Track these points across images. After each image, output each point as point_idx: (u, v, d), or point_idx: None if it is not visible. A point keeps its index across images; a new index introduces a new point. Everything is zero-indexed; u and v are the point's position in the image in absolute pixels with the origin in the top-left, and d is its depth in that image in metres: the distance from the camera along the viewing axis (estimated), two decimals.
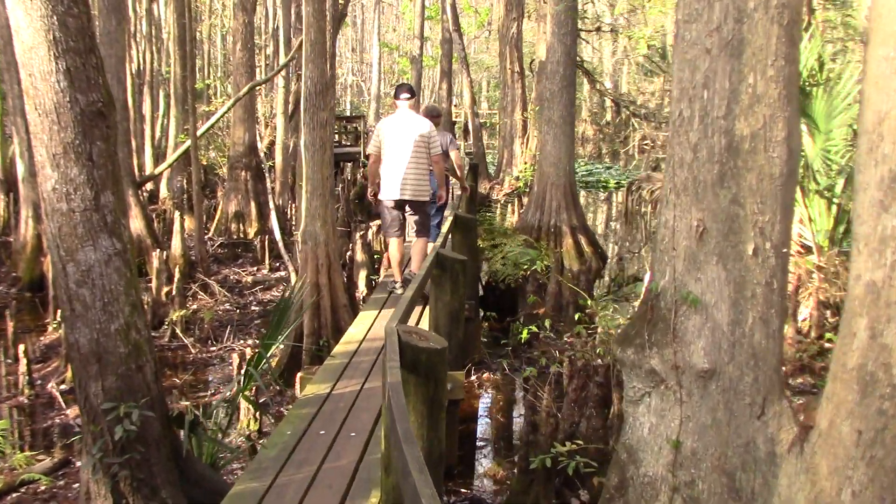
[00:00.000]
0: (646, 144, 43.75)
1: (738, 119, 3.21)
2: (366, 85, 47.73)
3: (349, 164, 27.75)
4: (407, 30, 52.16)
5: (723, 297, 3.37)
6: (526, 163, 21.81)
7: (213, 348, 9.71)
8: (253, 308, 11.55)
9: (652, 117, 25.61)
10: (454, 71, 24.84)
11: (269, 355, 6.25)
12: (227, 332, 10.14)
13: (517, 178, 21.67)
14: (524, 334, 7.36)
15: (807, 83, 9.23)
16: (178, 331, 9.77)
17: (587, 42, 36.12)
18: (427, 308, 7.75)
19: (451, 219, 8.55)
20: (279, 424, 5.39)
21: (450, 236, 8.56)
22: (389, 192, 7.89)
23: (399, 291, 8.33)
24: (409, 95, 7.99)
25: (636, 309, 4.26)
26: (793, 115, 3.25)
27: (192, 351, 9.51)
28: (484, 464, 7.18)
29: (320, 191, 8.05)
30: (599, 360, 5.87)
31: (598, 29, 21.99)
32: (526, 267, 11.33)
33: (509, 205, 18.86)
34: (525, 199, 20.25)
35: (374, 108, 34.89)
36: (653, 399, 3.56)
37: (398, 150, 7.80)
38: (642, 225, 10.21)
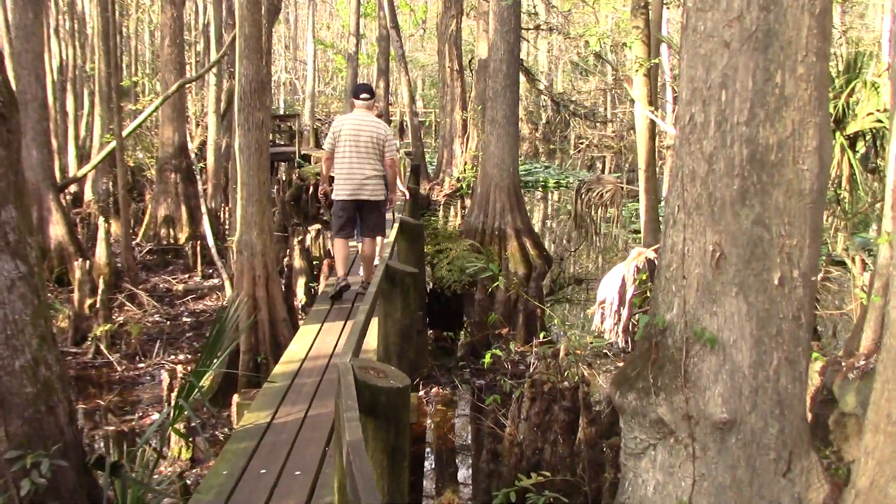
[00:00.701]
0: (581, 143, 43.81)
1: (762, 125, 2.70)
2: (300, 83, 46.86)
3: (284, 165, 27.02)
4: (341, 27, 51.42)
5: (744, 334, 2.92)
6: (466, 163, 21.42)
7: (142, 365, 9.04)
8: (184, 319, 10.88)
9: (591, 116, 25.41)
10: (390, 69, 24.33)
11: (201, 384, 5.67)
12: (157, 346, 9.48)
13: (458, 179, 21.25)
14: (487, 359, 6.88)
15: None
16: (102, 347, 9.08)
17: (526, 40, 36.02)
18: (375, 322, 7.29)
19: (396, 225, 8.06)
20: (214, 463, 4.84)
21: (395, 244, 8.06)
22: (345, 191, 7.81)
23: (343, 283, 8.29)
24: (368, 95, 8.00)
25: (635, 346, 3.74)
26: (823, 120, 2.76)
27: (119, 368, 8.84)
28: (436, 491, 6.71)
29: (256, 196, 7.49)
30: (566, 383, 5.45)
31: (538, 27, 21.70)
32: (472, 273, 10.90)
33: (451, 207, 18.43)
34: (468, 201, 19.89)
35: (309, 106, 34.06)
36: (659, 453, 3.09)
37: (355, 149, 7.76)
38: (591, 228, 9.82)
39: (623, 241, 14.20)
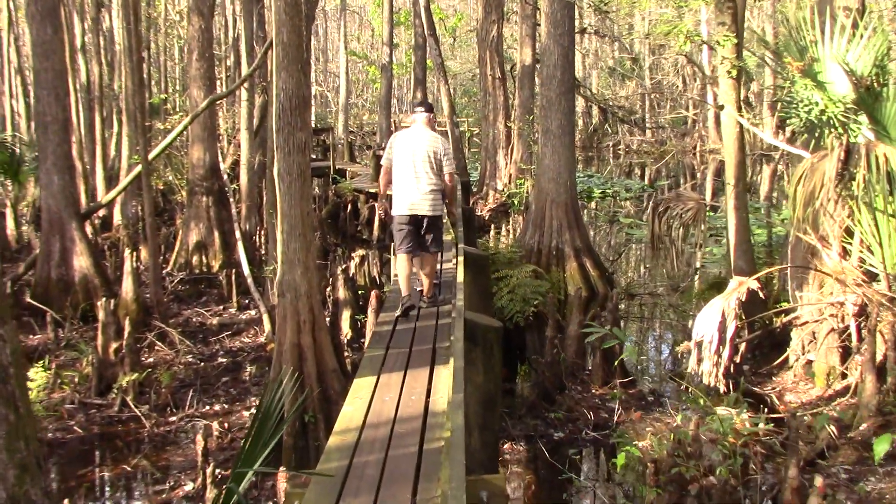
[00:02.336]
0: (620, 150, 42.55)
1: None
2: (331, 95, 46.07)
3: (318, 180, 26.10)
4: (370, 38, 50.60)
5: None
6: (511, 175, 20.33)
7: (173, 418, 8.02)
8: (220, 360, 9.86)
9: (639, 123, 24.23)
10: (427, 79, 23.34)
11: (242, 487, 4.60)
12: (190, 395, 8.47)
13: (502, 192, 20.15)
14: (620, 461, 5.70)
15: (874, 82, 7.79)
16: (129, 399, 8.08)
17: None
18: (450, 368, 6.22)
19: (460, 258, 6.98)
20: None
21: (460, 278, 6.97)
22: (402, 206, 7.80)
23: (408, 303, 8.04)
24: (424, 109, 7.99)
25: None
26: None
27: (147, 424, 7.82)
28: None
29: (300, 230, 6.45)
30: (711, 478, 4.32)
31: (584, 31, 20.56)
32: (537, 303, 9.78)
33: (499, 223, 17.30)
34: (513, 215, 18.77)
35: (343, 119, 33.21)
36: None
37: (412, 164, 7.73)
38: (672, 251, 8.68)
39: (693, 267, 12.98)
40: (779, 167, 34.80)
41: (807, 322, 8.68)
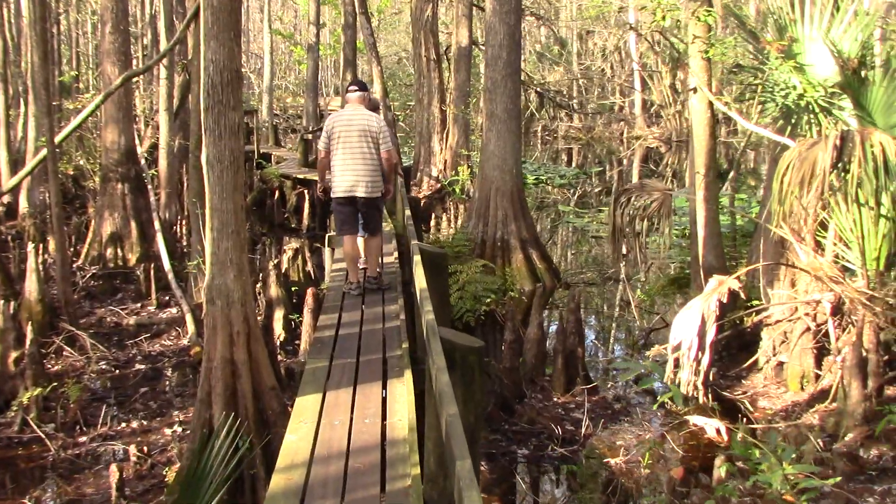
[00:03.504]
0: (548, 136, 42.07)
1: None
2: (254, 77, 44.50)
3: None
4: (294, 18, 49.09)
5: None
6: (446, 161, 19.53)
7: (84, 439, 7.01)
8: (137, 366, 8.85)
9: (579, 108, 23.68)
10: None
11: None
12: (103, 410, 7.47)
13: (437, 179, 19.35)
14: None
15: (861, 67, 7.23)
16: (31, 419, 7.04)
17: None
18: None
19: (416, 258, 6.15)
20: None
21: (421, 283, 6.15)
22: (342, 188, 7.79)
23: (355, 293, 8.21)
24: (357, 88, 7.97)
25: None
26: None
27: (53, 446, 6.79)
28: None
29: (233, 227, 5.53)
30: None
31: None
32: (489, 301, 9.03)
33: (440, 213, 16.50)
34: (449, 202, 18.00)
35: (267, 101, 31.86)
36: None
37: (349, 145, 7.72)
38: (636, 246, 8.03)
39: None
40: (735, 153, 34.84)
41: (778, 321, 8.14)
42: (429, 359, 3.87)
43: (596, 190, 25.75)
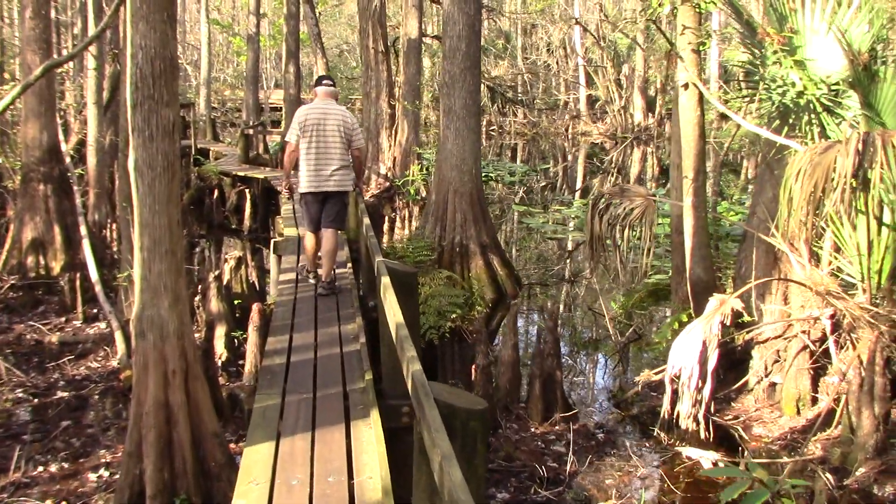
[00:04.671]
0: (492, 131, 41.41)
1: None
2: (191, 69, 42.93)
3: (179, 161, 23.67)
4: (232, 9, 47.57)
5: None
6: (395, 158, 18.65)
7: None
8: (59, 393, 7.83)
9: (530, 104, 23.00)
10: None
11: None
12: (17, 451, 6.46)
13: (386, 177, 18.46)
14: None
15: (871, 62, 6.57)
16: None
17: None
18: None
19: (385, 279, 5.30)
20: None
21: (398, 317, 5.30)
22: (312, 184, 7.77)
23: (312, 280, 8.28)
24: (331, 82, 8.00)
25: None
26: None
27: None
28: None
29: (167, 246, 4.62)
30: None
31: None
32: (454, 316, 8.22)
33: (390, 214, 15.63)
34: (400, 203, 17.17)
35: (205, 94, 30.56)
36: None
37: (322, 140, 7.72)
38: (616, 255, 7.31)
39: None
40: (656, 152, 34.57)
41: (770, 339, 7.49)
42: (420, 427, 3.05)
43: (541, 185, 25.17)
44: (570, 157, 35.91)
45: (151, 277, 4.61)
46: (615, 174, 28.95)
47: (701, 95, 7.13)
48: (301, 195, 7.92)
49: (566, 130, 43.14)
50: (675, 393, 5.99)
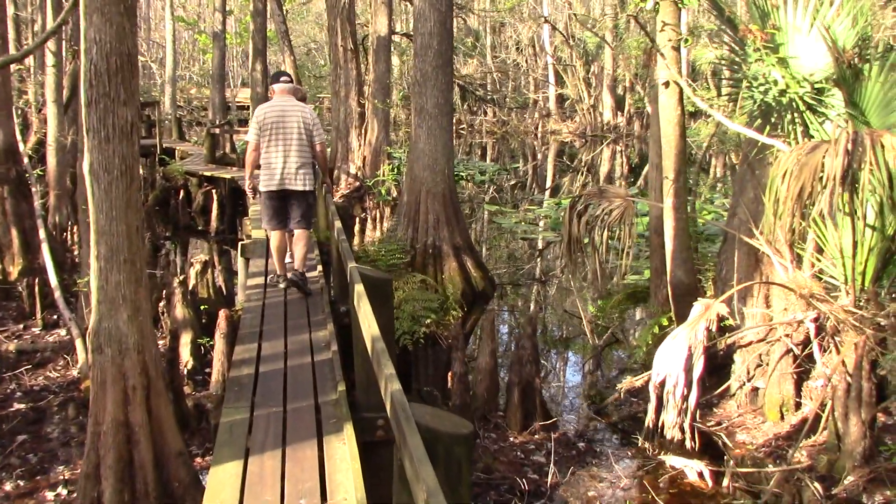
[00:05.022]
0: (462, 130, 41.15)
1: None
2: (156, 67, 42.27)
3: (144, 160, 23.18)
4: (198, 7, 46.91)
5: None
6: (365, 157, 18.37)
7: None
8: (16, 405, 7.48)
9: (502, 102, 22.79)
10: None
11: None
12: None
13: (356, 177, 18.18)
14: None
15: (855, 59, 6.42)
16: None
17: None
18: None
19: (358, 287, 5.04)
20: None
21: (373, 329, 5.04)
22: (273, 182, 7.67)
23: (282, 286, 8.13)
24: (289, 79, 7.90)
25: None
26: None
27: None
28: None
29: (125, 255, 4.33)
30: None
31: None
32: (429, 321, 7.97)
33: (360, 214, 15.34)
34: (370, 203, 16.91)
35: (170, 92, 30.04)
36: None
37: (282, 137, 7.61)
38: (595, 258, 7.11)
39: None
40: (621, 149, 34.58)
41: (752, 342, 7.33)
42: (401, 455, 2.80)
43: (510, 184, 25.01)
44: (539, 156, 35.81)
45: (109, 288, 4.31)
46: (585, 173, 28.89)
47: (681, 94, 6.94)
48: (261, 193, 7.80)
49: (536, 129, 43.05)
50: (659, 401, 5.79)
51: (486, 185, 24.10)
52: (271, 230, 7.93)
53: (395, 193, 16.56)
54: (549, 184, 26.26)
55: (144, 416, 4.45)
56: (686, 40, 6.54)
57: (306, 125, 7.66)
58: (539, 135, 42.47)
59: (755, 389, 7.28)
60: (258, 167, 7.84)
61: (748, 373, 7.32)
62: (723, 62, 7.21)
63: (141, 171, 14.72)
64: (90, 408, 4.50)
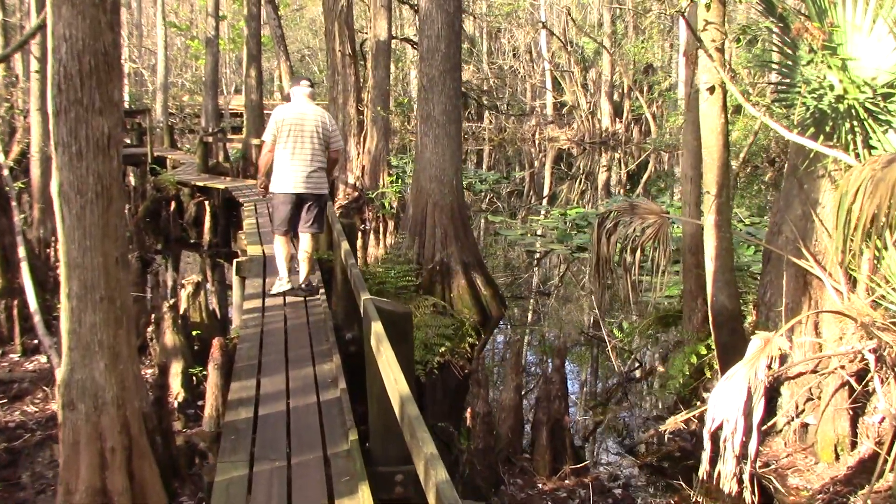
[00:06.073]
0: (465, 136, 40.47)
1: None
2: (147, 74, 41.54)
3: (134, 170, 22.49)
4: (190, 13, 46.21)
5: None
6: (364, 167, 17.67)
7: None
8: None
9: (507, 110, 22.13)
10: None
11: None
12: None
13: (354, 187, 17.48)
14: None
15: None
16: None
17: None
18: None
19: (375, 324, 4.33)
20: None
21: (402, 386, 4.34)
22: (288, 185, 7.65)
23: (287, 286, 8.09)
24: (310, 83, 7.91)
25: None
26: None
27: None
28: None
29: (103, 292, 3.62)
30: None
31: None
32: (443, 350, 7.28)
33: (358, 223, 14.64)
34: (369, 215, 16.23)
35: (161, 99, 29.33)
36: None
37: (300, 141, 7.61)
38: (626, 282, 6.44)
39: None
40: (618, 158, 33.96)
41: (800, 374, 6.65)
42: None
43: (507, 192, 24.39)
44: (536, 164, 35.21)
45: (82, 332, 3.61)
46: (583, 180, 28.31)
47: (724, 100, 6.27)
48: (273, 195, 7.80)
49: (533, 136, 42.45)
50: (714, 447, 5.10)
51: (484, 194, 23.45)
52: (279, 235, 7.90)
53: (395, 204, 15.88)
54: (546, 192, 25.64)
55: (125, 483, 3.74)
56: (738, 40, 5.88)
57: (326, 130, 7.78)
58: (536, 142, 41.89)
59: (805, 426, 6.60)
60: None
61: (797, 407, 6.64)
62: (765, 64, 6.53)
63: (128, 187, 14.05)
64: (60, 473, 3.78)
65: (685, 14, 5.65)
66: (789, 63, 6.19)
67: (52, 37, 3.45)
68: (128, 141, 25.22)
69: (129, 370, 3.83)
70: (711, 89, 6.04)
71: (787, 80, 6.21)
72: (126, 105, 35.88)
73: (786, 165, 7.22)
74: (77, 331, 3.61)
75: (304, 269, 8.06)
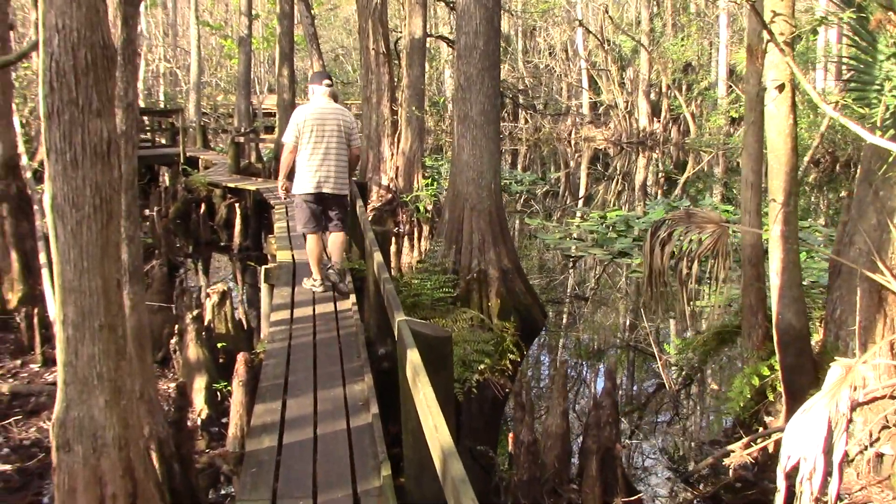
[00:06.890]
0: (500, 136, 39.85)
1: None
2: (182, 74, 41.48)
3: (165, 170, 22.26)
4: (226, 8, 46.14)
5: None
6: (398, 168, 17.21)
7: None
8: (2, 466, 6.37)
9: (544, 110, 21.60)
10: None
11: None
12: None
13: (388, 189, 17.03)
14: None
15: None
16: None
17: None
18: None
19: (411, 354, 3.85)
20: None
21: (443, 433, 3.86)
22: (310, 185, 7.65)
23: (319, 289, 8.12)
24: (330, 81, 7.88)
25: None
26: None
27: None
28: None
29: (101, 320, 3.17)
30: None
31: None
32: (482, 367, 6.78)
33: (392, 225, 14.20)
34: (402, 217, 15.76)
35: (195, 99, 29.13)
36: None
37: (321, 140, 7.60)
38: (682, 295, 5.89)
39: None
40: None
41: (875, 399, 6.07)
42: None
43: (542, 192, 23.82)
44: (572, 164, 34.57)
45: (80, 364, 3.16)
46: (619, 181, 27.68)
47: (794, 99, 5.71)
48: (297, 196, 7.77)
49: (569, 136, 41.80)
50: (789, 489, 4.56)
51: (519, 196, 22.92)
52: (308, 233, 7.85)
53: (430, 208, 15.41)
54: (582, 192, 25.05)
55: None
56: (815, 31, 5.31)
57: (347, 129, 7.74)
58: (572, 141, 41.23)
59: (879, 456, 6.02)
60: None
61: (871, 436, 6.06)
62: (842, 60, 5.95)
63: (160, 187, 13.61)
64: None
65: (754, 3, 5.08)
66: (868, 59, 5.62)
67: (42, 27, 3.00)
68: (162, 141, 25.01)
69: (132, 407, 3.38)
70: (781, 87, 5.48)
71: (866, 77, 5.64)
72: (161, 105, 35.79)
73: (857, 170, 6.64)
74: (73, 363, 3.16)
75: (335, 255, 8.01)
